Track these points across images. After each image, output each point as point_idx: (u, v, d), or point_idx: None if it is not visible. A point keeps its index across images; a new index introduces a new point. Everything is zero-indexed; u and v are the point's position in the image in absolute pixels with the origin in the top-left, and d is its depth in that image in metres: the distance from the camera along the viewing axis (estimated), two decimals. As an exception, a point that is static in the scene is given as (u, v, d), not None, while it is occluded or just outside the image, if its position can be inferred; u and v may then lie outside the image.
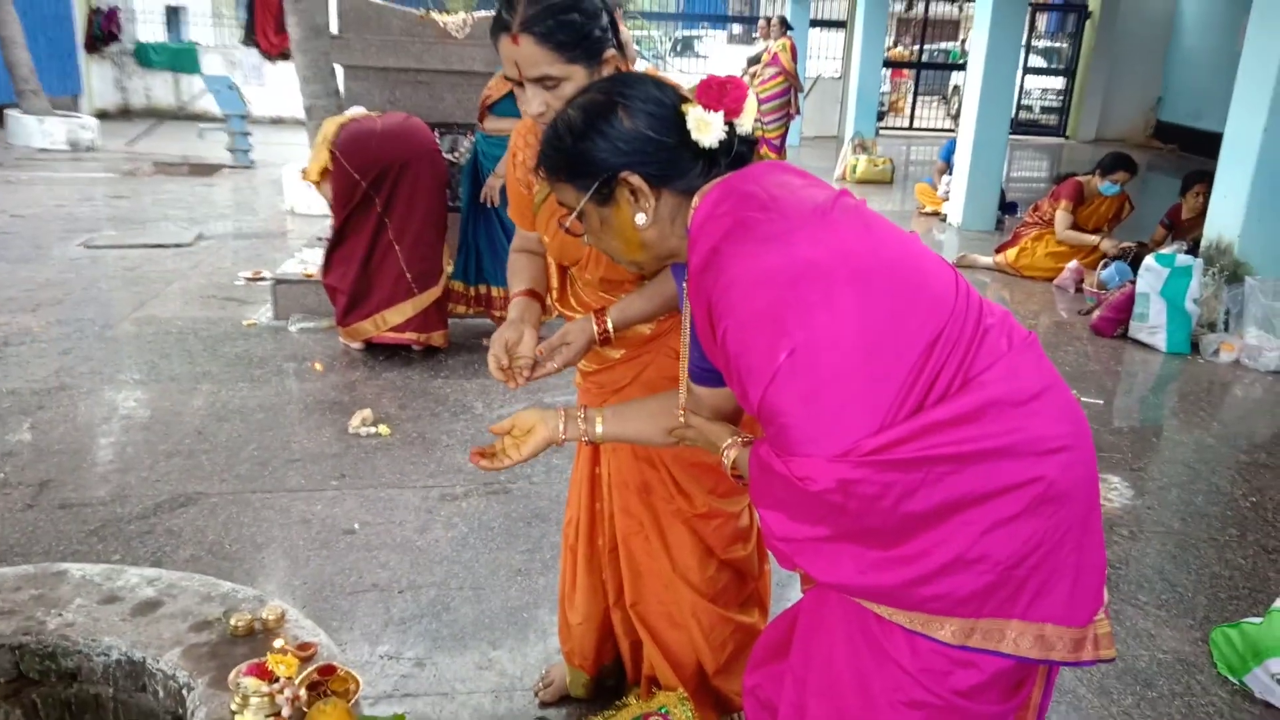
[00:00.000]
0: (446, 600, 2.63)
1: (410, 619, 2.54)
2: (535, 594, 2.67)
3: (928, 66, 17.03)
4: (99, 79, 13.48)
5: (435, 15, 4.89)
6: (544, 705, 2.23)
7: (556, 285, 1.87)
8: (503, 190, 4.26)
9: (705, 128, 1.26)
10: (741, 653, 1.90)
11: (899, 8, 17.09)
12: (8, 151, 9.94)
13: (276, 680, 1.40)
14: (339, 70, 5.15)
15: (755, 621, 1.96)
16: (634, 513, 1.88)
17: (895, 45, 19.41)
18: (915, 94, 16.30)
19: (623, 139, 1.26)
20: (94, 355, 4.35)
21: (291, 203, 7.65)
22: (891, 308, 1.13)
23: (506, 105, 4.17)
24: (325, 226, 5.02)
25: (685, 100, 1.29)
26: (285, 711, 1.36)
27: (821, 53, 15.58)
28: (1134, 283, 5.19)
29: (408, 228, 4.23)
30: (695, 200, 1.27)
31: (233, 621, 1.56)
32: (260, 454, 3.45)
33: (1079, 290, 6.03)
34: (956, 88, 16.35)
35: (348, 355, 4.42)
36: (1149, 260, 5.13)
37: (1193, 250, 5.40)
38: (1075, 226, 6.33)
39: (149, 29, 14.61)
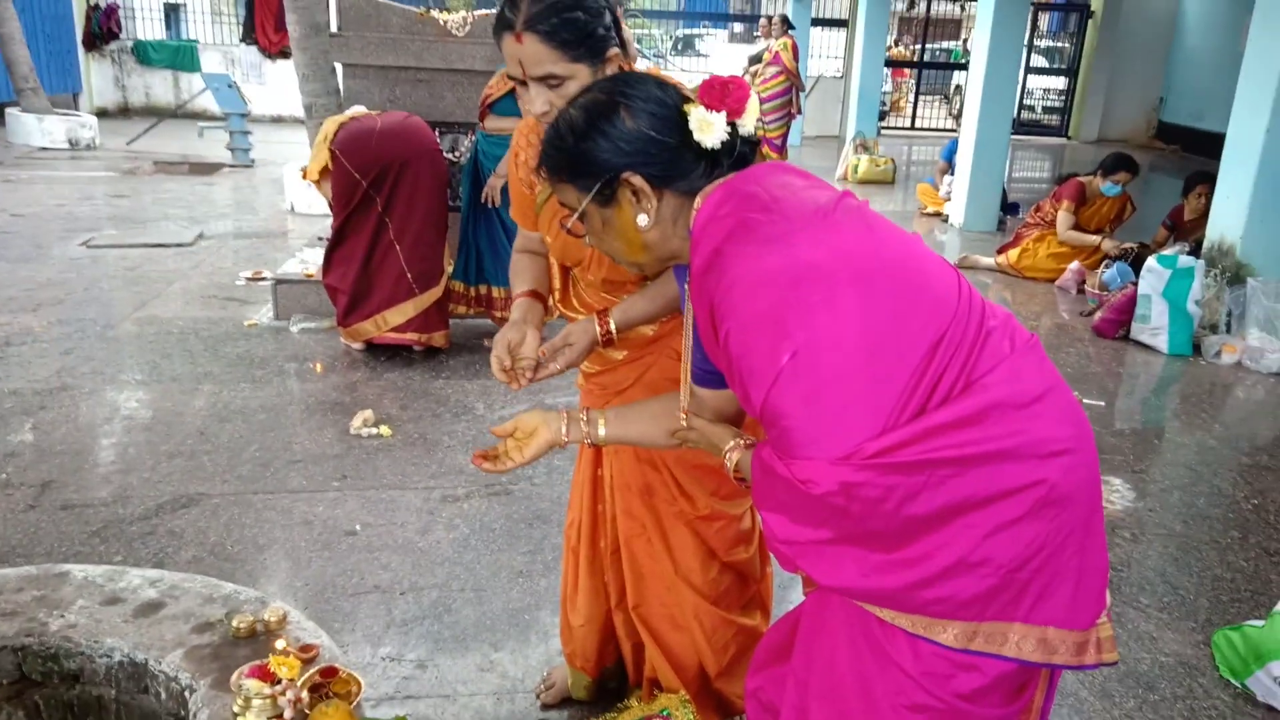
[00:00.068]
0: (448, 602, 2.63)
1: (412, 621, 2.54)
2: (537, 596, 2.67)
3: (930, 66, 17.02)
4: (98, 77, 13.47)
5: (435, 13, 4.89)
6: (546, 707, 2.23)
7: (559, 286, 1.87)
8: (504, 190, 4.25)
9: (707, 128, 1.26)
10: (743, 655, 1.90)
11: (901, 7, 17.06)
12: (7, 150, 9.94)
13: (278, 682, 1.40)
14: (339, 68, 5.15)
15: (757, 624, 1.96)
16: (636, 515, 1.88)
17: (897, 44, 19.42)
18: (917, 93, 16.29)
19: (625, 139, 1.26)
20: (95, 355, 4.34)
21: (292, 202, 7.64)
22: (894, 310, 1.13)
23: (507, 104, 4.16)
24: (326, 226, 5.01)
25: (687, 100, 1.29)
26: (287, 713, 1.36)
27: (823, 52, 15.58)
28: (1136, 284, 5.19)
29: (408, 227, 4.22)
30: (697, 201, 1.26)
31: (235, 623, 1.55)
32: (262, 455, 3.45)
33: (1081, 291, 6.02)
34: (958, 87, 16.34)
35: (349, 356, 4.42)
36: (1151, 262, 5.13)
37: (1195, 252, 5.40)
38: (1077, 227, 6.32)
39: (148, 26, 14.60)
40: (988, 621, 1.14)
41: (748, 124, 1.30)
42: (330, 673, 1.45)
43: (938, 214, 8.41)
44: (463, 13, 5.01)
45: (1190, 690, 2.39)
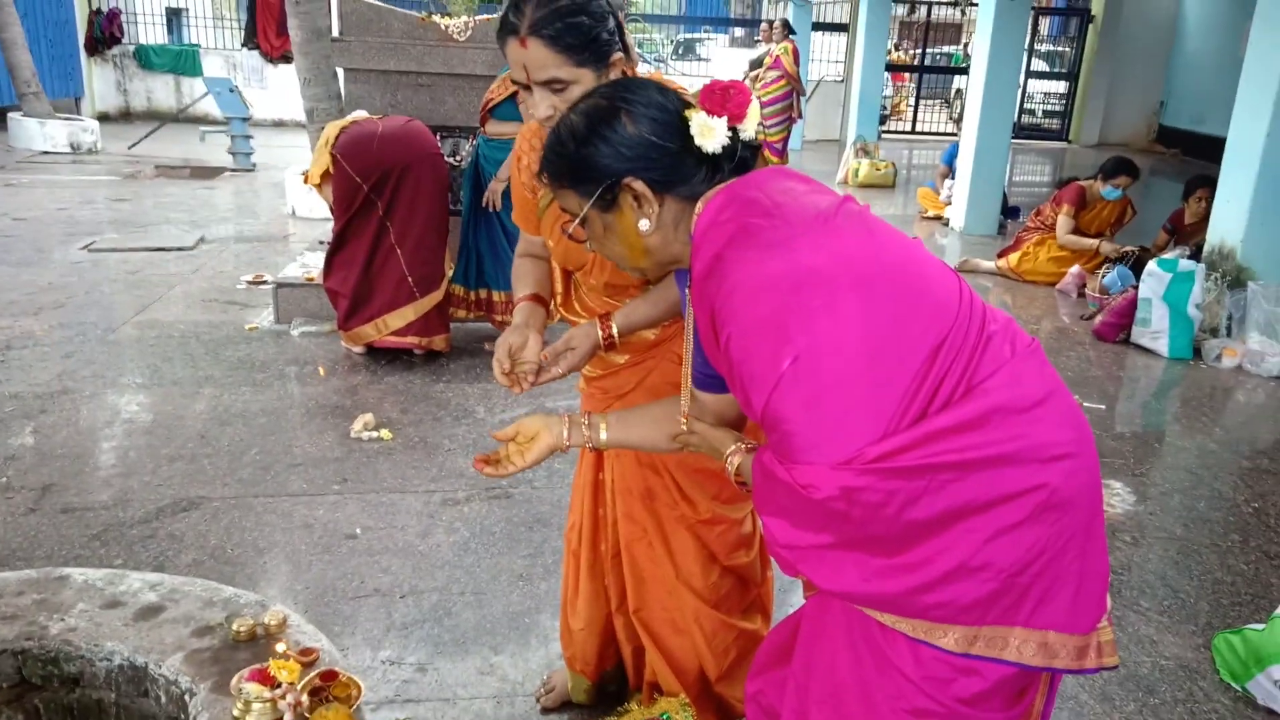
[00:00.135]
0: (448, 605, 2.63)
1: (412, 624, 2.54)
2: (537, 599, 2.67)
3: (930, 70, 17.03)
4: (100, 81, 13.50)
5: (437, 18, 4.90)
6: (546, 711, 2.23)
7: (561, 290, 1.87)
8: (505, 194, 4.26)
9: (709, 133, 1.26)
10: (744, 659, 1.90)
11: (901, 11, 17.09)
12: (9, 154, 9.95)
13: (278, 686, 1.40)
14: (340, 73, 5.16)
15: (758, 628, 1.95)
16: (637, 518, 1.88)
17: (897, 49, 19.44)
18: (918, 97, 16.31)
19: (626, 145, 1.26)
20: (96, 359, 4.35)
21: (293, 206, 7.65)
22: (895, 314, 1.13)
23: (508, 109, 4.17)
24: (327, 230, 5.02)
25: (689, 106, 1.29)
26: (287, 717, 1.36)
27: (824, 56, 15.59)
28: (1136, 288, 5.19)
29: (409, 231, 4.23)
30: (699, 206, 1.27)
31: (235, 626, 1.55)
32: (262, 458, 3.45)
33: (1081, 295, 6.02)
34: (959, 91, 16.35)
35: (349, 359, 4.43)
36: (1151, 265, 5.13)
37: (1195, 255, 5.40)
38: (1077, 231, 6.32)
39: (150, 31, 14.63)
40: (988, 626, 1.14)
41: (749, 129, 1.30)
42: (330, 676, 1.45)
43: (938, 218, 8.41)
44: (464, 17, 5.02)
45: (1190, 694, 2.39)
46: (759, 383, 1.14)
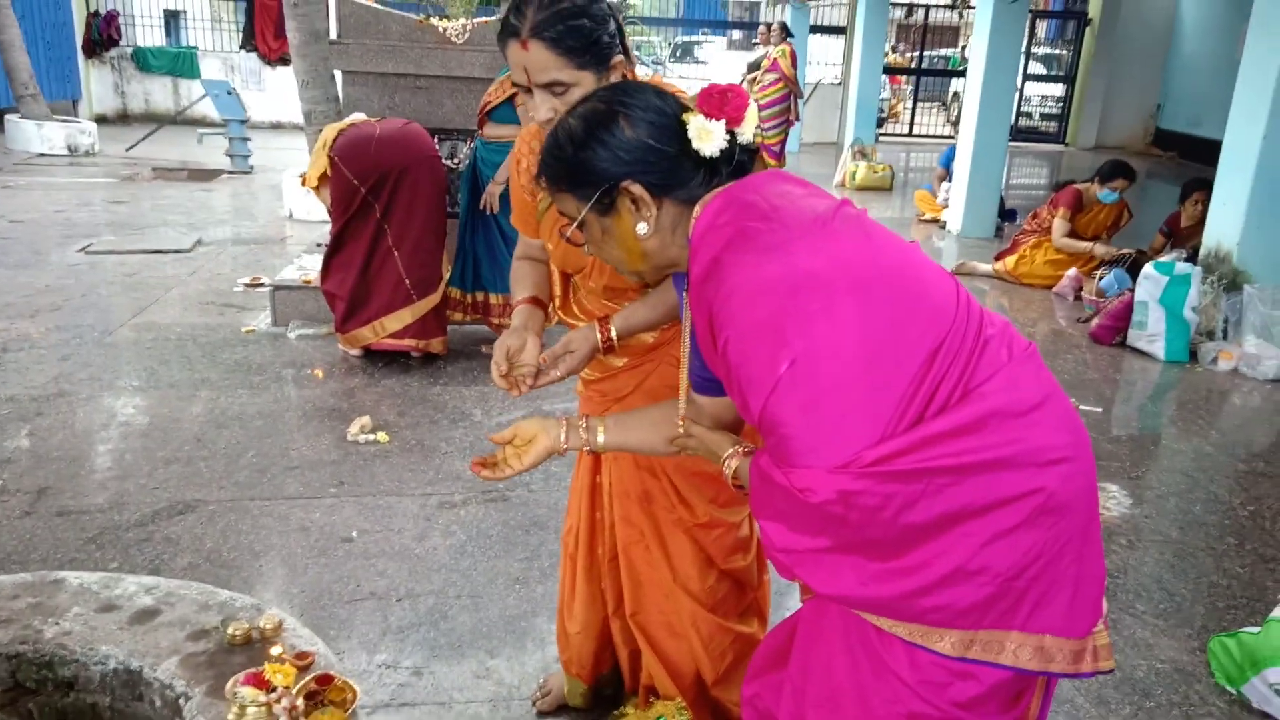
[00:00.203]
0: (444, 609, 2.63)
1: (408, 627, 2.54)
2: (533, 602, 2.67)
3: (928, 73, 17.06)
4: (98, 84, 13.49)
5: (435, 20, 4.90)
6: (542, 715, 2.23)
7: (559, 293, 1.87)
8: (503, 197, 4.26)
9: (706, 137, 1.26)
10: (740, 663, 1.90)
11: (899, 14, 17.11)
12: (6, 156, 9.94)
13: (274, 690, 1.40)
14: (338, 75, 5.16)
15: (754, 631, 1.95)
16: (635, 522, 1.88)
17: (894, 51, 19.46)
18: (915, 100, 16.33)
19: (624, 148, 1.26)
20: (93, 362, 4.34)
21: (290, 208, 7.65)
22: (892, 318, 1.13)
23: (505, 111, 4.17)
24: (324, 232, 5.02)
25: (686, 109, 1.29)
26: (283, 722, 1.35)
27: (821, 59, 15.61)
28: (1133, 291, 5.20)
29: (407, 234, 4.23)
30: (696, 210, 1.27)
31: (230, 630, 1.55)
32: (259, 461, 3.44)
33: (1078, 298, 6.03)
34: (956, 94, 16.38)
35: (346, 362, 4.42)
36: (1148, 268, 5.14)
37: (1191, 258, 5.41)
38: (1073, 234, 6.34)
39: (148, 33, 14.63)
40: (985, 630, 1.14)
41: (746, 132, 1.30)
42: (326, 680, 1.45)
43: (935, 220, 8.42)
44: (462, 20, 5.02)
45: (1186, 697, 2.39)
46: (756, 386, 1.14)
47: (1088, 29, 14.50)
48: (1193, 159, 12.39)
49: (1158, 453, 4.00)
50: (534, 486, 3.32)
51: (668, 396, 1.54)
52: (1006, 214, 8.26)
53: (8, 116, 10.51)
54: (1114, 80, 14.20)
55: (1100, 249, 6.21)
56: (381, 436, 3.64)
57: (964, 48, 18.65)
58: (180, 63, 13.68)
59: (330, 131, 4.23)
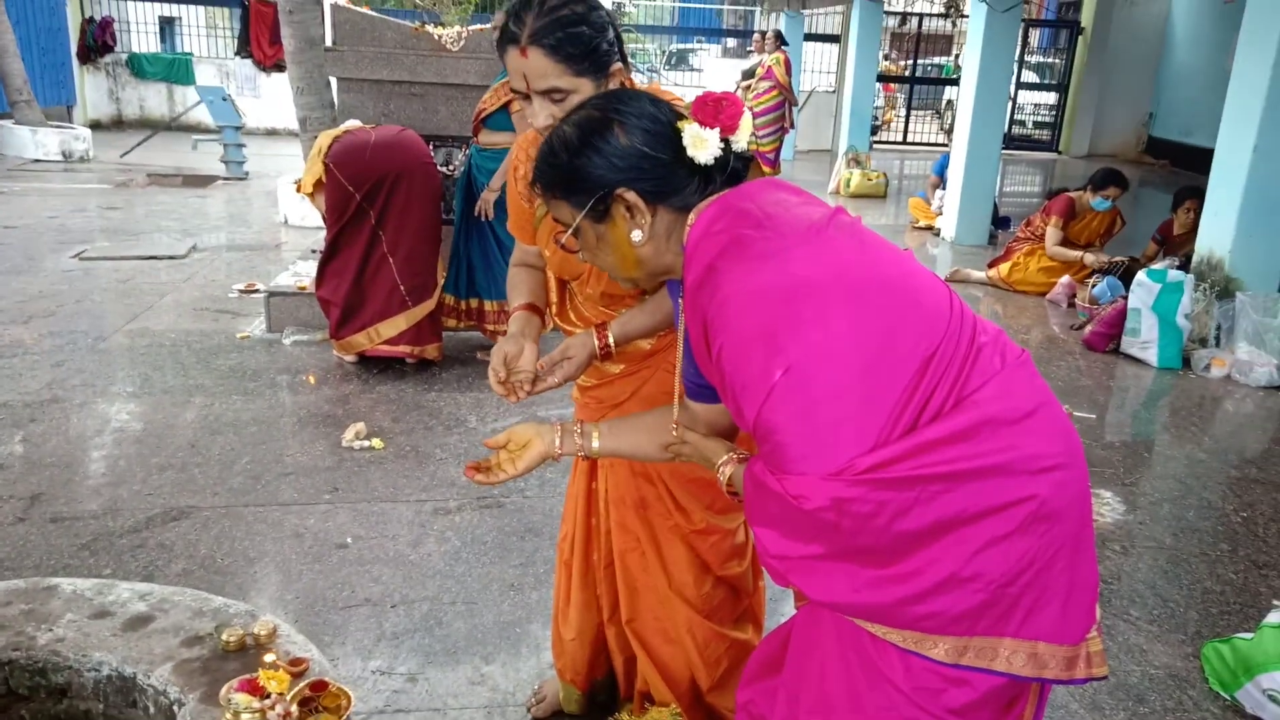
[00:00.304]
0: (439, 615, 2.62)
1: (403, 634, 2.53)
2: (528, 609, 2.67)
3: (921, 81, 17.12)
4: (93, 90, 13.48)
5: (430, 28, 4.91)
6: (536, 721, 2.22)
7: (556, 300, 1.87)
8: (498, 204, 4.26)
9: (701, 145, 1.27)
10: (736, 669, 1.90)
11: (892, 22, 17.19)
12: (0, 162, 9.92)
13: (268, 696, 1.40)
14: (333, 82, 5.16)
15: (749, 638, 1.95)
16: (631, 528, 1.88)
17: (886, 60, 19.53)
18: (909, 108, 16.39)
19: (619, 155, 1.26)
20: (86, 368, 4.33)
21: (285, 215, 7.65)
22: (886, 326, 1.14)
23: (500, 119, 4.18)
24: (319, 239, 5.02)
25: (681, 117, 1.30)
26: (277, 728, 1.35)
27: (816, 67, 15.66)
28: (1126, 298, 5.22)
29: (402, 240, 4.23)
30: (691, 217, 1.27)
31: (224, 636, 1.55)
32: (253, 467, 3.44)
33: (1071, 305, 6.06)
34: (950, 102, 16.44)
35: (341, 368, 4.42)
36: (1141, 276, 5.16)
37: (1184, 266, 5.43)
38: (1066, 242, 6.36)
39: (143, 40, 14.62)
40: (978, 636, 1.14)
41: (741, 140, 1.31)
42: (320, 686, 1.45)
43: (929, 228, 8.45)
44: (457, 27, 5.03)
45: (1180, 703, 2.39)
46: (751, 393, 1.14)
47: (1080, 38, 14.58)
48: (1185, 167, 12.45)
49: (1151, 459, 4.01)
50: (529, 493, 3.32)
51: (664, 403, 1.54)
52: (1000, 221, 8.29)
53: (2, 122, 10.50)
54: (1106, 89, 14.27)
55: (1093, 257, 6.24)
56: (376, 443, 3.64)
57: (957, 56, 18.72)
58: (175, 69, 13.68)
59: (325, 138, 4.23)
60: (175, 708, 1.45)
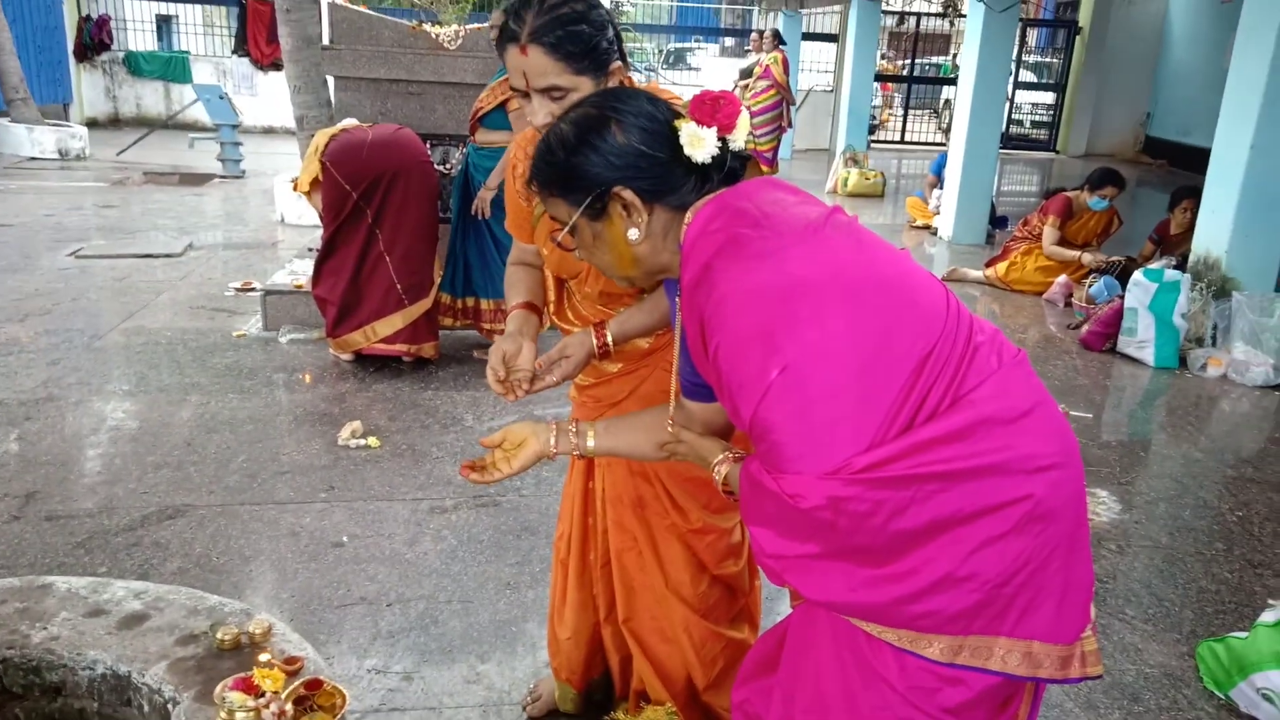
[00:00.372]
0: (435, 614, 2.62)
1: (398, 632, 2.53)
2: (524, 607, 2.66)
3: (919, 80, 17.13)
4: (89, 88, 13.45)
5: (427, 26, 4.91)
6: (532, 720, 2.22)
7: (553, 298, 1.87)
8: (495, 203, 4.26)
9: (698, 143, 1.27)
10: (732, 668, 1.90)
11: (890, 22, 17.18)
12: (-3, 160, 9.91)
13: (262, 695, 1.39)
14: (330, 81, 5.15)
15: (745, 637, 1.96)
16: (628, 528, 1.88)
17: (883, 59, 19.52)
18: (906, 108, 16.39)
19: (615, 154, 1.26)
20: (82, 366, 4.33)
21: (282, 213, 7.64)
22: (883, 325, 1.14)
23: (497, 118, 4.17)
24: (316, 237, 5.01)
25: (678, 116, 1.30)
26: (272, 727, 1.35)
27: (813, 66, 15.66)
28: (1122, 297, 5.22)
29: (398, 239, 4.23)
30: (688, 216, 1.27)
31: (219, 635, 1.55)
32: (249, 466, 3.43)
33: (1068, 304, 6.06)
34: (948, 102, 16.44)
35: (337, 367, 4.41)
36: (1137, 275, 5.16)
37: (1181, 265, 5.44)
38: (1063, 242, 6.37)
39: (140, 38, 14.60)
40: (973, 636, 1.15)
41: (738, 139, 1.31)
42: (315, 685, 1.45)
43: (927, 227, 8.45)
44: (454, 26, 5.03)
45: (1175, 702, 2.40)
46: (747, 392, 1.14)
47: (1078, 38, 14.59)
48: (1182, 167, 12.46)
49: (1147, 458, 4.02)
50: (525, 491, 3.31)
51: (662, 402, 1.54)
52: (997, 221, 8.30)
53: (-2, 120, 10.49)
54: (1104, 88, 14.28)
55: (1090, 256, 6.24)
56: (372, 441, 3.64)
57: (955, 55, 18.73)
58: (172, 67, 13.66)
59: (322, 137, 4.23)
60: (170, 706, 1.45)
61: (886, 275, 1.19)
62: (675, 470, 1.80)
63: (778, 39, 9.68)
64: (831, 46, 15.45)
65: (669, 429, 1.45)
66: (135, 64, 13.55)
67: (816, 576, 1.18)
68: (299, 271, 5.14)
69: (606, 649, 2.07)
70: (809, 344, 1.11)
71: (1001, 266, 6.56)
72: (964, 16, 9.80)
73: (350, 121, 4.42)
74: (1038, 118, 15.60)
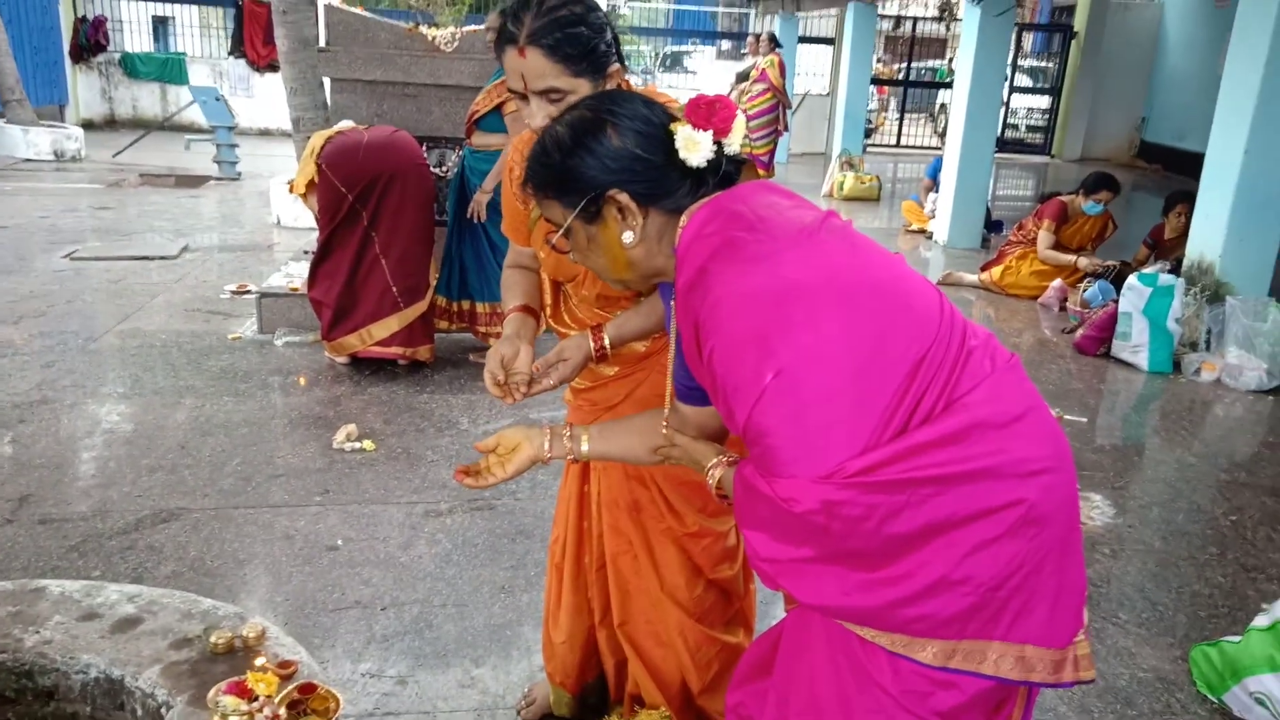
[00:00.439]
0: (429, 617, 2.62)
1: (393, 636, 2.52)
2: (519, 611, 2.66)
3: (915, 85, 17.17)
4: (85, 89, 13.44)
5: (424, 29, 4.91)
6: (526, 724, 2.22)
7: (550, 301, 1.87)
8: (492, 206, 4.26)
9: (693, 147, 1.27)
10: (726, 672, 1.90)
11: (886, 26, 17.24)
12: (-8, 161, 9.89)
13: (256, 699, 1.39)
14: (327, 83, 5.15)
15: (740, 641, 1.95)
16: (624, 531, 1.88)
17: (879, 63, 19.57)
18: (902, 111, 16.42)
19: (611, 157, 1.26)
20: (77, 368, 4.32)
21: (278, 215, 7.63)
22: (877, 329, 1.14)
23: (493, 120, 4.18)
24: (311, 240, 5.01)
25: (674, 119, 1.30)
26: (265, 731, 1.35)
27: (810, 70, 15.69)
28: (1117, 302, 5.24)
29: (394, 241, 4.22)
30: (683, 219, 1.27)
31: (213, 639, 1.54)
32: (243, 469, 3.43)
33: (1063, 309, 6.07)
34: (944, 106, 16.48)
35: (333, 370, 4.41)
36: (1131, 279, 5.18)
37: (1175, 270, 5.45)
38: (1058, 246, 6.38)
39: (136, 39, 14.59)
40: (967, 640, 1.15)
41: (734, 143, 1.31)
42: (309, 689, 1.44)
43: (922, 231, 8.47)
44: (451, 28, 5.03)
45: (1168, 705, 2.40)
46: (742, 396, 1.14)
47: (1073, 42, 14.63)
48: (1177, 171, 12.50)
49: (1141, 463, 4.02)
50: (520, 495, 3.31)
51: (658, 406, 1.54)
52: (992, 225, 8.31)
53: (-7, 122, 10.47)
54: (1099, 93, 14.32)
55: (1085, 260, 6.26)
56: (367, 444, 3.63)
57: (951, 59, 18.77)
58: (168, 69, 13.65)
59: (318, 139, 4.23)
60: (163, 710, 1.45)
61: (880, 279, 1.19)
62: (671, 474, 1.79)
63: (774, 42, 9.70)
64: (828, 50, 15.48)
65: (663, 433, 1.45)
66: (131, 65, 13.54)
67: (810, 580, 1.18)
68: (294, 274, 5.13)
69: (601, 653, 2.07)
70: (803, 348, 1.11)
71: (996, 271, 6.57)
72: (960, 20, 9.82)
73: (346, 123, 4.42)
74: (1033, 122, 15.64)
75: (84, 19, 13.28)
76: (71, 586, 1.70)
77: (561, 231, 1.33)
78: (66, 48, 13.04)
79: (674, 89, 14.49)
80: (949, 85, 14.08)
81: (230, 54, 14.03)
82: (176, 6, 14.89)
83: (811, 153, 14.28)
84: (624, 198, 1.27)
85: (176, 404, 3.97)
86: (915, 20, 16.24)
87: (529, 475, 3.34)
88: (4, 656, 1.52)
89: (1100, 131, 14.56)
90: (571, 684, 2.12)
